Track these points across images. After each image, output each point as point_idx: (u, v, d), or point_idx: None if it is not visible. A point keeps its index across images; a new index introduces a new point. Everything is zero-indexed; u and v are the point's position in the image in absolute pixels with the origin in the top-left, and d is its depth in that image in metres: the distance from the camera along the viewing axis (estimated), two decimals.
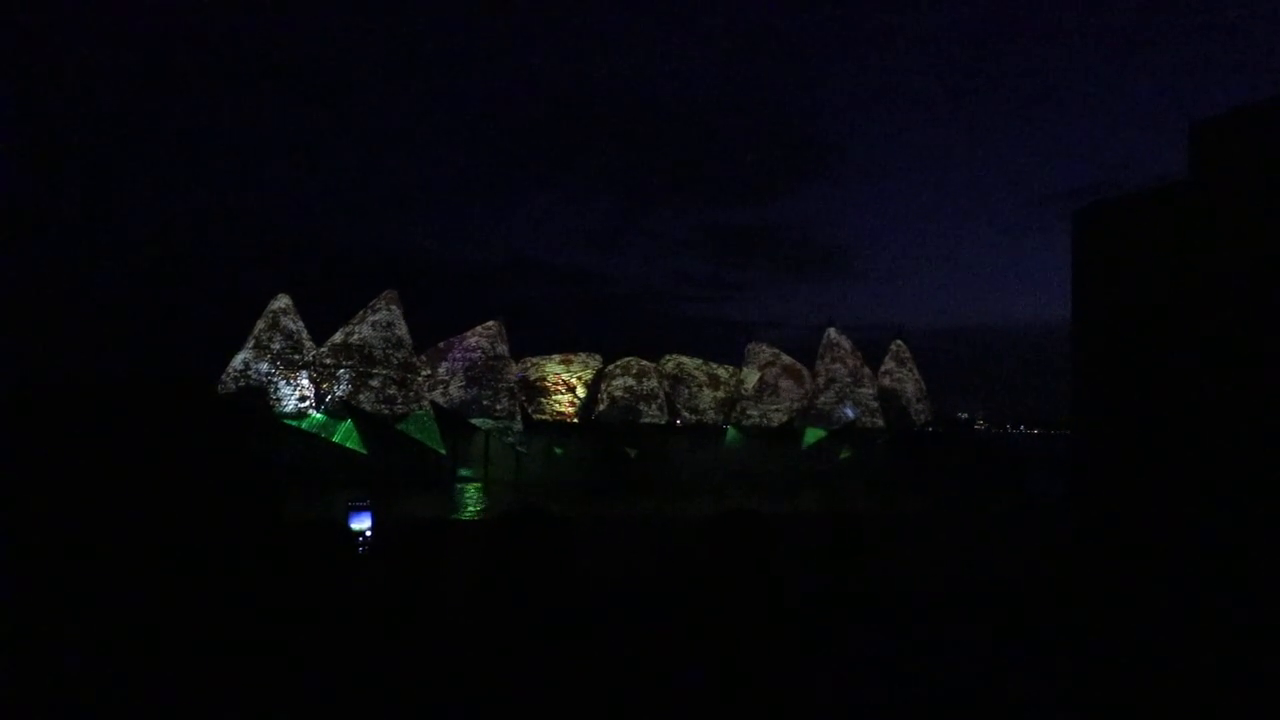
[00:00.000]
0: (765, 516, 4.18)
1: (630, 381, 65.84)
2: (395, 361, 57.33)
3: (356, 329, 57.55)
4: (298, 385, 55.16)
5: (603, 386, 66.30)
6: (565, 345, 68.92)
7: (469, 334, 61.74)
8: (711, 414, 67.47)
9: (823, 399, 67.94)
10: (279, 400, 54.51)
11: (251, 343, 55.81)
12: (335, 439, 54.92)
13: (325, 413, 55.32)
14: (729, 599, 3.88)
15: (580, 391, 66.43)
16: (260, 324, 56.42)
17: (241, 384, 54.39)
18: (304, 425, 54.58)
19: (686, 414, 67.23)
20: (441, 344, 61.73)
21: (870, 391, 69.29)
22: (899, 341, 74.00)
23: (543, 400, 65.43)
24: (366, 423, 55.42)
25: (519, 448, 59.99)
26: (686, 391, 67.74)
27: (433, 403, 58.35)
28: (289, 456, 51.96)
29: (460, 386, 59.62)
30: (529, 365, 66.26)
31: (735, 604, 3.84)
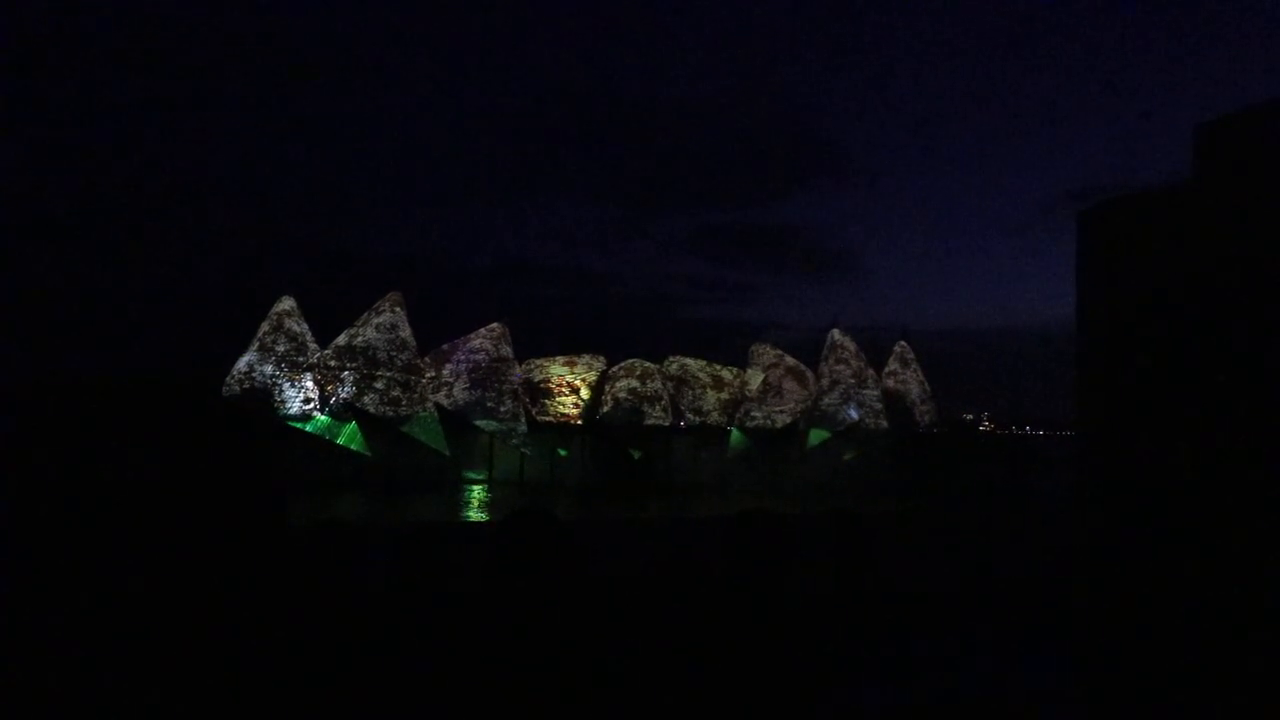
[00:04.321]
0: (783, 517, 4.17)
1: (634, 383, 65.81)
2: (399, 363, 57.40)
3: (361, 331, 57.63)
4: (302, 387, 55.24)
5: (607, 388, 66.27)
6: (569, 347, 69.03)
7: (473, 336, 61.79)
8: (715, 415, 67.41)
9: (827, 400, 67.85)
10: (283, 403, 54.60)
11: (256, 345, 55.91)
12: (340, 441, 54.99)
13: (330, 415, 55.39)
14: (745, 601, 3.87)
15: (584, 393, 66.41)
16: (264, 326, 56.52)
17: (246, 386, 54.48)
18: (309, 427, 54.65)
19: (690, 416, 67.18)
20: (445, 346, 61.79)
21: (874, 393, 69.18)
22: (903, 342, 73.93)
23: (546, 402, 65.42)
24: (371, 425, 55.48)
25: (523, 449, 60.02)
26: (690, 393, 67.70)
27: (437, 405, 58.40)
28: (293, 459, 52.06)
29: (464, 388, 59.65)
30: (533, 367, 66.27)
31: (751, 606, 3.84)
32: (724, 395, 68.42)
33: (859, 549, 6.83)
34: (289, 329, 56.67)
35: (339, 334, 58.02)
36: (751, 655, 3.68)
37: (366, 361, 56.63)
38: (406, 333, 58.52)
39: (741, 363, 70.55)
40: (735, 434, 66.81)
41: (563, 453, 62.35)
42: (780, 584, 3.94)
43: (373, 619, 3.89)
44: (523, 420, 60.61)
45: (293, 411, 54.65)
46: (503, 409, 59.69)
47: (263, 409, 53.77)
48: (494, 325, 62.37)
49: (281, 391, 54.87)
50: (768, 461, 65.18)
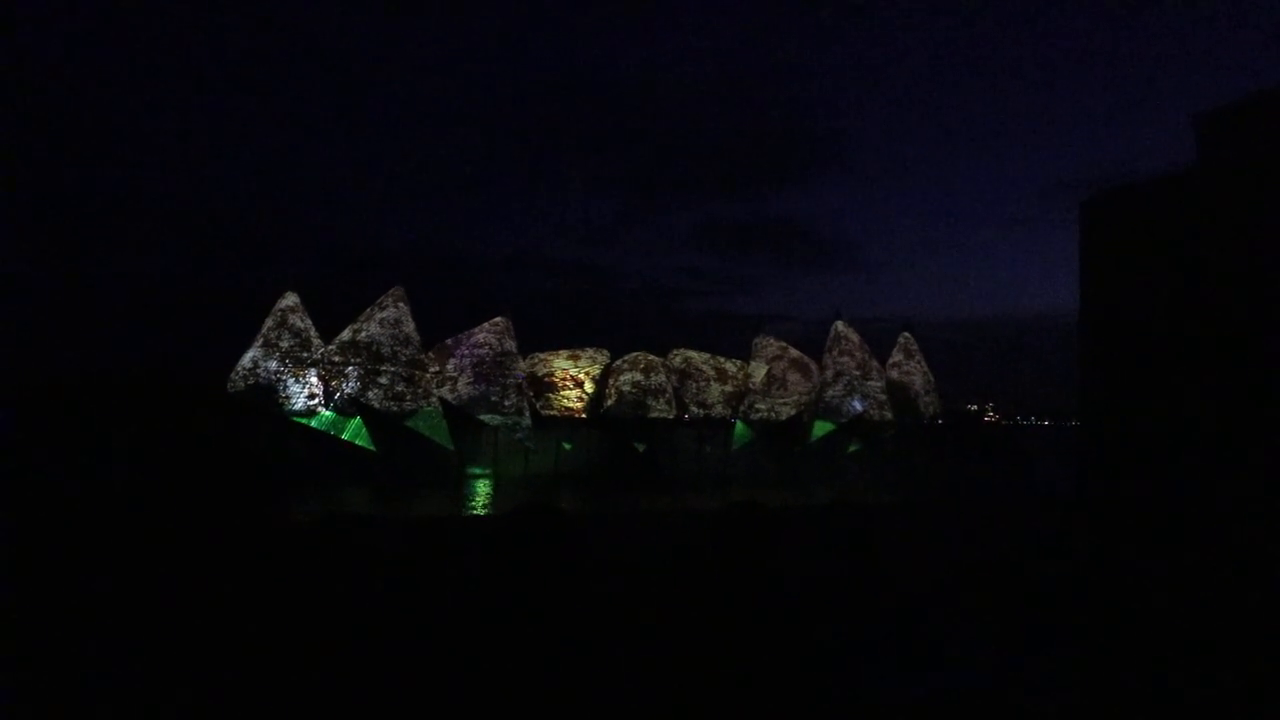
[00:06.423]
0: (769, 508, 4.19)
1: (638, 376, 65.85)
2: (403, 358, 57.44)
3: (364, 326, 57.67)
4: (306, 383, 55.33)
5: (611, 382, 66.33)
6: (573, 341, 69.14)
7: (476, 330, 61.81)
8: (720, 408, 67.48)
9: (831, 392, 67.83)
10: (288, 398, 54.70)
11: (260, 341, 55.99)
12: (345, 436, 55.11)
13: (334, 410, 55.49)
14: (730, 589, 3.90)
15: (588, 387, 66.48)
16: (269, 322, 56.59)
17: (250, 382, 54.59)
18: (313, 423, 54.76)
19: (695, 408, 67.25)
20: (449, 340, 61.83)
21: (878, 384, 69.15)
22: (907, 334, 73.85)
23: (551, 396, 65.50)
24: (375, 420, 55.59)
25: (527, 443, 60.09)
26: (695, 386, 67.74)
27: (441, 399, 58.46)
28: (298, 454, 52.23)
29: (468, 383, 59.70)
30: (537, 361, 66.35)
31: (736, 594, 3.86)
32: (728, 388, 68.45)
33: (861, 540, 6.84)
34: (293, 325, 56.72)
35: (343, 329, 58.08)
36: (749, 643, 3.70)
37: (370, 357, 56.68)
38: (410, 327, 58.55)
39: (745, 355, 70.57)
40: (740, 426, 66.85)
41: (567, 446, 62.43)
42: (772, 574, 3.96)
43: (378, 611, 3.91)
44: (527, 414, 60.67)
45: (297, 407, 54.77)
46: (507, 403, 59.75)
47: (267, 405, 53.92)
48: (497, 319, 62.40)
49: (286, 387, 54.96)
50: (772, 454, 65.23)
